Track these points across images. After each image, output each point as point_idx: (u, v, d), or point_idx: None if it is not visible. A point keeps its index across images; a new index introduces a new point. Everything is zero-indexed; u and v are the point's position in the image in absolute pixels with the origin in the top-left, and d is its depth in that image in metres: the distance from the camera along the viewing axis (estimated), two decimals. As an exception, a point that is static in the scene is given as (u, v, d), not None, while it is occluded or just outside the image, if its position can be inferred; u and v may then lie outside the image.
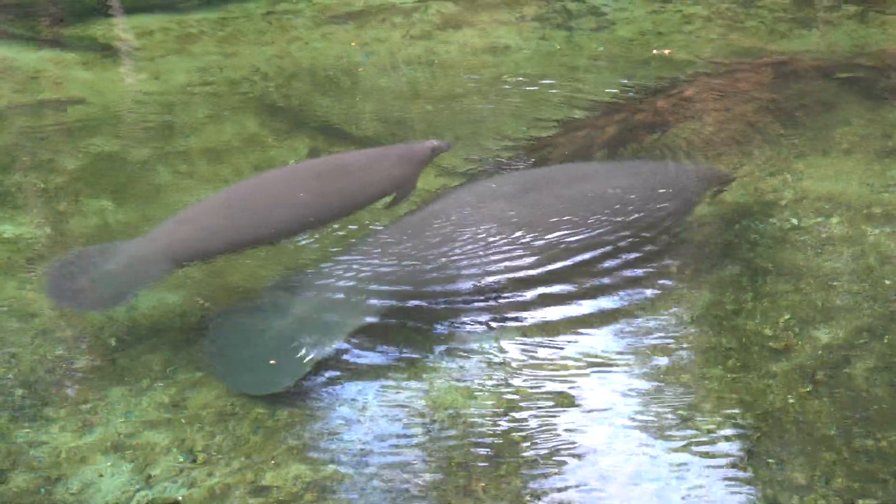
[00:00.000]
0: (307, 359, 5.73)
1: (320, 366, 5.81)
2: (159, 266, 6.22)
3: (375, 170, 6.95)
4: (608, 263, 6.51)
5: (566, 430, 5.36)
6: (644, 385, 5.67)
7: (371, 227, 7.20)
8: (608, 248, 6.54)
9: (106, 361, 6.06)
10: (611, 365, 5.83)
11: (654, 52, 10.15)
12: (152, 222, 6.99)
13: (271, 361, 5.80)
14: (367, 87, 9.91)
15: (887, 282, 6.36)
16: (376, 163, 6.99)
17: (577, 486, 5.01)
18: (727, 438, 5.25)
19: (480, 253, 6.36)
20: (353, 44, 10.82)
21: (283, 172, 7.17)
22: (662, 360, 5.84)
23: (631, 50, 10.49)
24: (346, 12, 12.18)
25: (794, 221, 7.04)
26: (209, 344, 6.14)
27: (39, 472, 5.28)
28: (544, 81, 9.77)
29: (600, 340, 6.02)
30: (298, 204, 6.56)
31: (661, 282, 6.49)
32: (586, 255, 6.49)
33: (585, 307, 6.27)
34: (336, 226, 7.08)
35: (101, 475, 5.24)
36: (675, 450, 5.20)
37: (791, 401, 5.47)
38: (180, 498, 5.06)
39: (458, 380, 5.76)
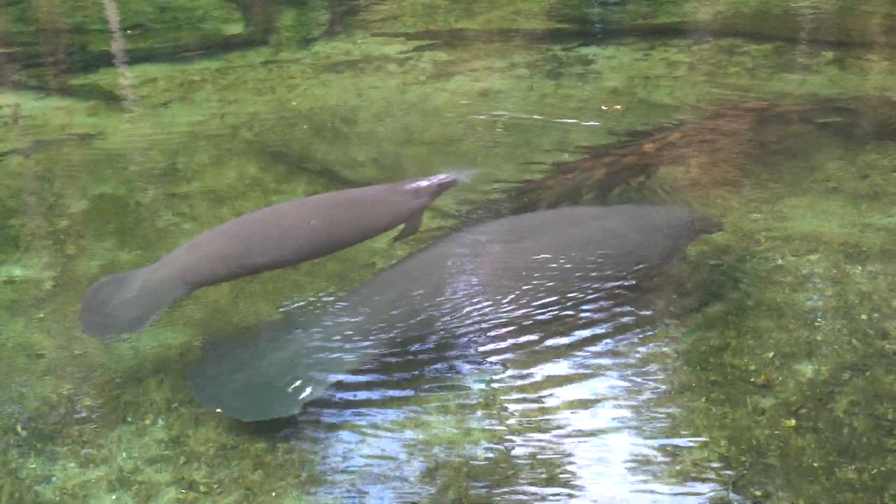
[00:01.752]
0: (299, 392, 5.79)
1: (318, 402, 5.86)
2: (174, 289, 6.31)
3: (384, 202, 6.99)
4: (598, 302, 6.56)
5: (556, 465, 5.41)
6: (633, 420, 5.73)
7: (372, 266, 7.34)
8: (598, 287, 6.58)
9: (110, 398, 6.11)
10: (600, 400, 5.90)
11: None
12: (156, 263, 7.08)
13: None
14: (364, 133, 9.97)
15: (866, 318, 6.46)
16: (385, 196, 7.03)
17: (567, 520, 5.08)
18: (713, 471, 5.31)
19: (476, 295, 6.41)
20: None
21: (295, 203, 7.23)
22: (650, 395, 5.91)
23: (618, 95, 10.57)
24: (343, 61, 12.28)
25: (778, 260, 7.13)
26: (196, 367, 6.27)
27: (45, 508, 5.31)
28: (534, 126, 9.88)
29: (590, 377, 6.08)
30: (309, 231, 6.63)
31: (648, 319, 6.55)
32: (577, 295, 6.53)
33: (575, 345, 6.32)
34: (338, 264, 7.25)
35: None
36: (664, 483, 5.26)
37: (775, 434, 5.53)
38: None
39: (452, 416, 5.82)
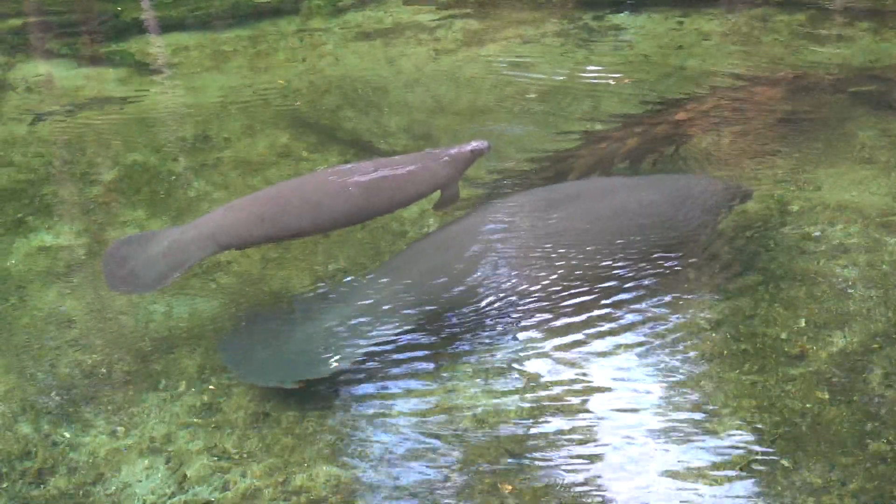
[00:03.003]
0: (331, 360, 5.82)
1: (349, 372, 5.88)
2: (203, 248, 6.33)
3: (420, 170, 7.01)
4: (630, 272, 6.54)
5: (588, 434, 5.43)
6: (663, 390, 5.73)
7: (403, 235, 7.36)
8: (631, 258, 6.59)
9: (142, 366, 6.16)
10: (631, 370, 5.89)
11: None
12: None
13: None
14: (395, 102, 9.98)
15: (901, 288, 6.46)
16: (420, 163, 7.05)
17: (598, 488, 5.08)
18: (745, 441, 5.31)
19: (509, 266, 6.41)
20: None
21: (332, 170, 7.29)
22: (681, 366, 5.90)
23: (650, 64, 10.52)
24: (374, 30, 12.27)
25: (810, 230, 7.09)
26: (232, 337, 6.29)
27: (78, 475, 5.39)
28: (566, 95, 9.85)
29: (621, 347, 6.08)
30: (346, 197, 6.66)
31: (680, 289, 6.52)
32: (610, 266, 6.53)
33: (607, 314, 6.31)
34: (369, 233, 7.30)
35: (138, 477, 5.34)
36: (695, 453, 5.26)
37: (808, 405, 5.52)
38: (213, 500, 5.18)
39: (483, 385, 5.83)
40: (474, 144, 7.21)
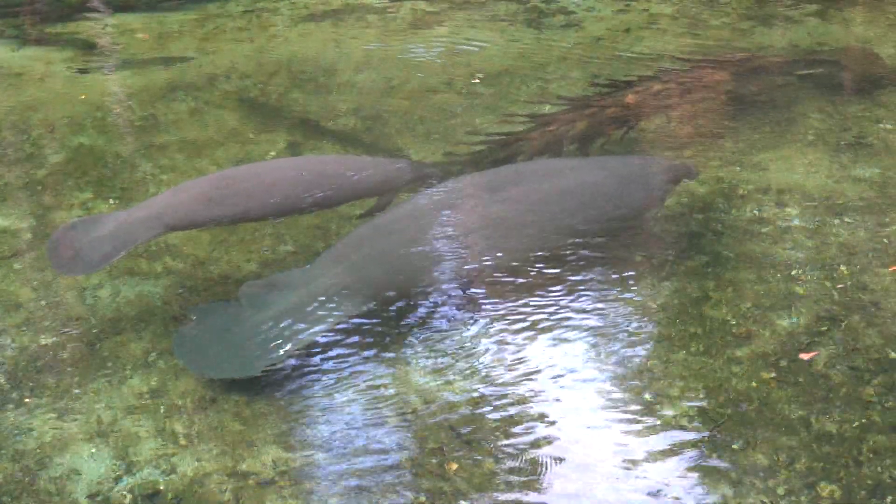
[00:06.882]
0: (280, 348, 5.78)
1: (297, 355, 5.86)
2: (148, 230, 6.33)
3: (373, 169, 7.12)
4: (577, 254, 6.54)
5: (536, 416, 5.42)
6: (612, 371, 5.73)
7: (350, 220, 7.32)
8: (578, 239, 6.58)
9: (89, 350, 6.10)
10: (578, 353, 5.89)
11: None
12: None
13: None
14: (344, 84, 9.96)
15: (846, 270, 6.47)
16: (375, 165, 7.17)
17: (545, 469, 5.07)
18: (692, 423, 5.31)
19: (456, 248, 6.38)
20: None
21: (284, 159, 7.28)
22: (629, 348, 5.91)
23: (599, 47, 10.55)
24: (322, 11, 12.22)
25: (757, 212, 7.13)
26: (182, 333, 6.18)
27: (23, 459, 5.32)
28: (515, 78, 9.86)
29: (568, 329, 6.07)
30: (297, 183, 6.69)
31: (627, 271, 6.54)
32: (554, 247, 6.53)
33: (555, 297, 6.30)
34: (316, 217, 7.27)
35: (84, 462, 5.29)
36: (642, 434, 5.27)
37: (754, 386, 5.54)
38: (161, 486, 5.14)
39: (432, 367, 5.82)
40: (429, 169, 7.30)
